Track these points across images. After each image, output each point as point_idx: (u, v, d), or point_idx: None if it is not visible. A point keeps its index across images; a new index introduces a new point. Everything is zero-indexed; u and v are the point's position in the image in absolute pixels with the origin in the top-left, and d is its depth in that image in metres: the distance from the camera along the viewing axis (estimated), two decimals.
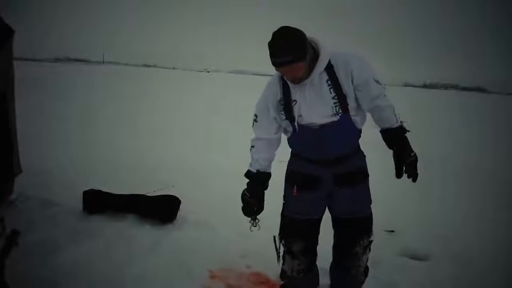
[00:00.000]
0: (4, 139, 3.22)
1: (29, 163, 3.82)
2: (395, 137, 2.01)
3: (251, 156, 2.27)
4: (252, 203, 2.26)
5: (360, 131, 2.15)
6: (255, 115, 2.23)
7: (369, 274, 2.43)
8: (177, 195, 3.64)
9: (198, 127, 9.37)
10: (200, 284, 2.61)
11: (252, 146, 2.26)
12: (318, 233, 2.31)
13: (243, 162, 6.36)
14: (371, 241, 2.25)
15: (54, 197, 3.72)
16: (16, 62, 3.47)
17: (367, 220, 2.23)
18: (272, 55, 1.92)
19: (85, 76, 31.35)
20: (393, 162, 2.02)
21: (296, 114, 2.05)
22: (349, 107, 2.01)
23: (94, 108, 11.11)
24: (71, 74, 32.84)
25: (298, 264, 2.27)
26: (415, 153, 1.99)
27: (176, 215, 3.53)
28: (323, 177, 2.12)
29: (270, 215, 2.35)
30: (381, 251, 3.10)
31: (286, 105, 2.08)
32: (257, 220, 2.31)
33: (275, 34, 1.92)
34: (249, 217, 2.31)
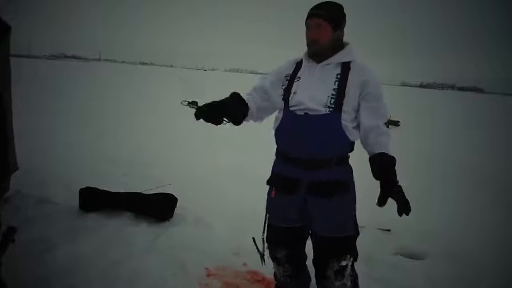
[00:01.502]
0: (0, 135, 3.21)
1: (25, 160, 3.80)
2: (387, 165, 1.88)
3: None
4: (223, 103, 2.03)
5: (351, 143, 2.03)
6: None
7: (365, 272, 2.43)
8: (174, 193, 3.63)
9: (195, 125, 9.34)
10: (196, 282, 2.61)
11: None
12: (304, 239, 2.23)
13: (240, 160, 6.39)
14: (344, 266, 2.06)
15: (50, 195, 3.70)
16: (12, 59, 3.46)
17: (340, 243, 2.03)
18: (310, 9, 2.01)
19: (82, 73, 31.32)
20: (379, 191, 1.88)
21: (292, 90, 2.03)
22: (343, 107, 1.93)
23: (91, 106, 11.10)
24: (67, 71, 32.80)
25: (284, 271, 2.25)
26: (400, 186, 1.87)
27: (172, 213, 3.53)
28: (300, 181, 2.02)
29: (263, 213, 2.32)
30: (376, 250, 3.12)
31: (289, 81, 2.07)
32: (191, 105, 2.04)
33: None
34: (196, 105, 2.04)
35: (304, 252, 2.30)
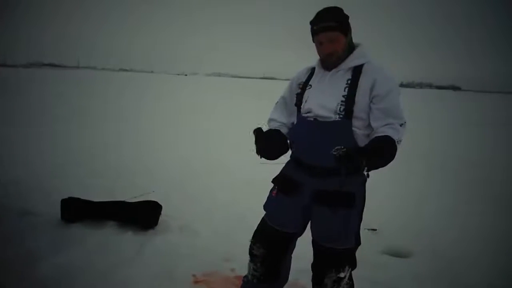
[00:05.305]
0: None
1: (3, 171, 3.72)
2: (381, 142, 1.76)
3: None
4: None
5: None
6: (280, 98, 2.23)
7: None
8: (158, 201, 3.60)
9: (176, 131, 9.31)
10: None
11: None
12: (288, 247, 2.16)
13: (223, 165, 6.37)
14: (342, 278, 2.01)
15: (31, 206, 3.62)
16: None
17: (340, 254, 1.98)
18: (314, 23, 1.92)
19: (60, 81, 30.85)
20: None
21: (304, 98, 2.01)
22: (354, 114, 1.87)
23: (69, 115, 10.92)
24: (45, 79, 32.24)
25: (254, 269, 2.20)
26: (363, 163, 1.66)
27: (157, 220, 3.48)
28: (304, 186, 2.00)
29: (253, 216, 2.32)
30: (363, 249, 3.14)
31: (302, 88, 2.06)
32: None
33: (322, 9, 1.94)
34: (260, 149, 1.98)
35: (285, 260, 2.21)
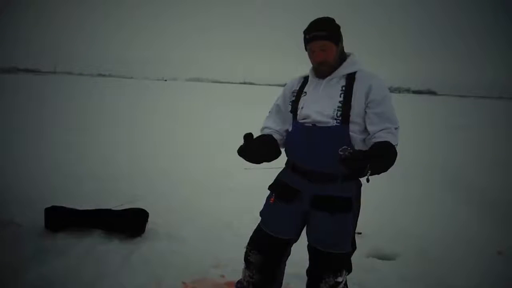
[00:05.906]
0: None
1: None
2: (385, 147, 1.78)
3: None
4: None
5: None
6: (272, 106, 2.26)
7: None
8: (144, 207, 3.56)
9: (160, 136, 9.25)
10: None
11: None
12: (283, 255, 2.18)
13: (211, 171, 6.32)
14: (339, 282, 2.03)
15: (12, 216, 3.54)
16: None
17: (338, 259, 2.01)
18: (307, 32, 1.99)
19: (37, 87, 30.28)
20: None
21: (300, 105, 2.05)
22: (350, 118, 1.91)
23: (49, 121, 10.73)
24: (20, 85, 31.57)
25: (249, 275, 2.20)
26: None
27: (144, 228, 3.45)
28: (302, 192, 2.02)
29: (241, 222, 2.32)
30: None
31: (297, 95, 2.10)
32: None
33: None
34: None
35: (280, 266, 2.23)
